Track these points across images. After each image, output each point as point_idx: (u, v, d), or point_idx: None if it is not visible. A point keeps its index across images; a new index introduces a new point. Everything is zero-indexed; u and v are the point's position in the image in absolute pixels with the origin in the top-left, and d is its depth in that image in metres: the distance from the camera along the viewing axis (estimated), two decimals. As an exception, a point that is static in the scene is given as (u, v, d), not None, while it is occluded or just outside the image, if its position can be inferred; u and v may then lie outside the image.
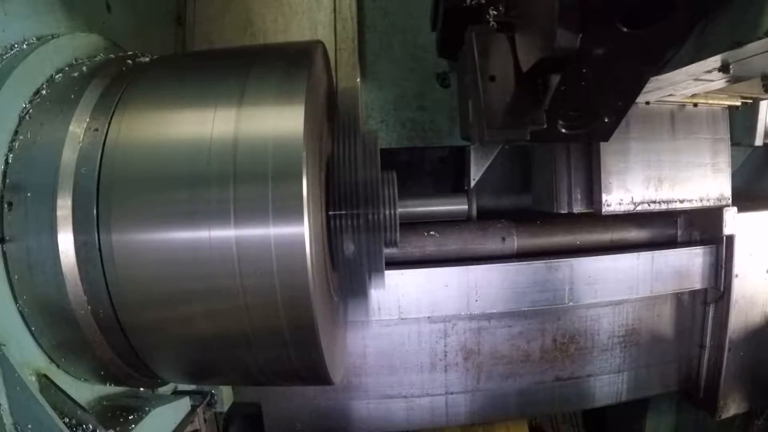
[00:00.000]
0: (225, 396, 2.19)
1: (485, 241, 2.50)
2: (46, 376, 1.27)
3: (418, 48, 2.41)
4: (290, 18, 2.31)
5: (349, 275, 1.51)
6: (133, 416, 1.41)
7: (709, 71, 1.60)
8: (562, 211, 2.48)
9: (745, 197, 2.77)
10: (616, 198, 2.43)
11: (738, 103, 2.43)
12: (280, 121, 1.20)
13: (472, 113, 1.66)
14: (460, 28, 1.69)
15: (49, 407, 1.17)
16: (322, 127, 1.46)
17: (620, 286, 2.54)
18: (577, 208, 2.47)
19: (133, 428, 1.37)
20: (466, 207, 2.41)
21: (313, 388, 2.55)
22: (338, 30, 2.29)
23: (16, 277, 1.20)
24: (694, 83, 1.86)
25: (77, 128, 1.26)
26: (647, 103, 2.35)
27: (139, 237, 1.18)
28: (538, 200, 2.69)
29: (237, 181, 1.15)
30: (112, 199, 1.19)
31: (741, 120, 2.68)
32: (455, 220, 2.48)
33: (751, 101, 2.45)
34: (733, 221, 2.57)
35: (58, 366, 1.33)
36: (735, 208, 2.57)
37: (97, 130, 1.26)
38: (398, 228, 1.53)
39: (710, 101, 2.40)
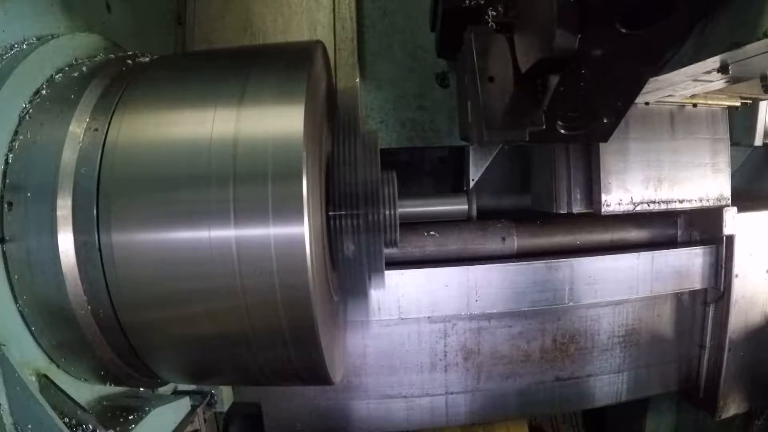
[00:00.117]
0: (225, 396, 2.18)
1: (485, 241, 2.50)
2: (46, 376, 1.27)
3: (417, 48, 2.40)
4: (290, 18, 2.30)
5: (349, 275, 1.51)
6: (133, 416, 1.41)
7: (709, 72, 1.59)
8: (562, 211, 2.48)
9: (745, 197, 2.77)
10: (616, 198, 2.43)
11: (737, 104, 2.43)
12: (280, 122, 1.20)
13: (471, 114, 1.66)
14: (459, 29, 1.69)
15: (49, 407, 1.17)
16: (322, 127, 1.46)
17: (620, 286, 2.54)
18: (577, 209, 2.47)
19: (133, 428, 1.37)
20: (465, 207, 2.40)
21: (313, 388, 2.55)
22: (337, 30, 2.28)
23: (16, 277, 1.20)
24: (694, 84, 1.85)
25: (77, 128, 1.26)
26: (646, 103, 2.35)
27: (139, 237, 1.18)
28: (538, 200, 2.69)
29: (237, 181, 1.15)
30: (112, 199, 1.19)
31: (740, 120, 2.68)
32: (455, 220, 2.48)
33: (750, 102, 2.45)
34: (733, 221, 2.57)
35: (58, 366, 1.33)
36: (735, 208, 2.57)
37: (97, 130, 1.26)
38: (398, 228, 1.53)
39: (710, 102, 2.40)
